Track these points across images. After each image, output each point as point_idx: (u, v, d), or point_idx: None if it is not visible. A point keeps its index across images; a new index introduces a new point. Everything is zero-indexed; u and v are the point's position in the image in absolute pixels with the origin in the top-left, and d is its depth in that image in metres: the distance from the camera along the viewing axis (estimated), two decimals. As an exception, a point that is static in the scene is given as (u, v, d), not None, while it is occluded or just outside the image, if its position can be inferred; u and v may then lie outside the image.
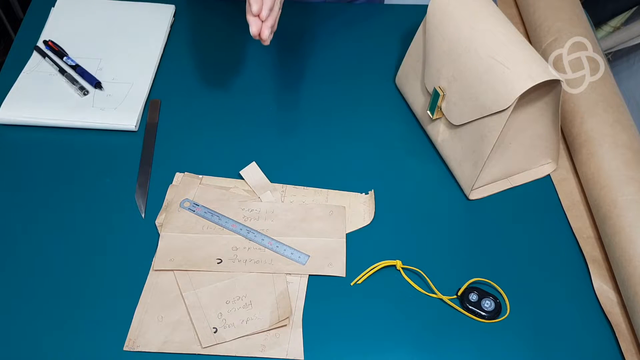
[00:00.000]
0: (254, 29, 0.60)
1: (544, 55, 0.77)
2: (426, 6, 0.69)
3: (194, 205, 0.67)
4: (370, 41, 0.85)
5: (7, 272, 0.62)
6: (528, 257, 0.65)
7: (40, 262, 0.63)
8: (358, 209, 0.68)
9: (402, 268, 0.63)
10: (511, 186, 0.71)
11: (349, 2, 0.91)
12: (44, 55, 0.80)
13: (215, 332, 0.58)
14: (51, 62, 0.79)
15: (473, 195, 0.70)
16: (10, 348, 0.57)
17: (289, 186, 0.70)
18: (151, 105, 0.77)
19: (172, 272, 0.62)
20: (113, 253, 0.64)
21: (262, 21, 0.61)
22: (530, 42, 0.82)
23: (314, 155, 0.73)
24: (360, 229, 0.67)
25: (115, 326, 0.59)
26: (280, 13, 0.63)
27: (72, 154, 0.72)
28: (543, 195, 0.70)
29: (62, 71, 0.78)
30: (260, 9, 0.60)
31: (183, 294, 0.61)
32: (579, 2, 0.82)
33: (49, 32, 0.83)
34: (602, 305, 0.61)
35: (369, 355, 0.58)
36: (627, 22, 1.30)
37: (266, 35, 0.61)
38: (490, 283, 0.63)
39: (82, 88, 0.76)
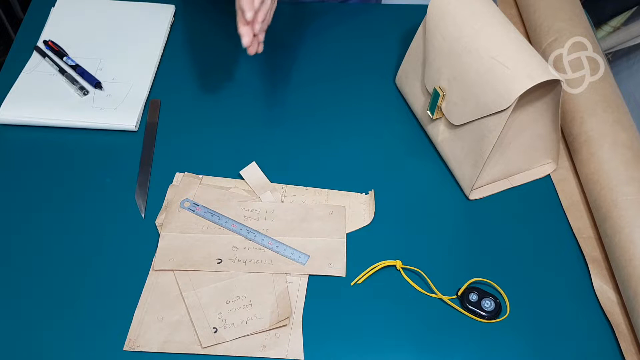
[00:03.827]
0: (246, 40, 0.61)
1: (544, 55, 0.77)
2: (426, 6, 0.69)
3: (194, 205, 0.67)
4: (370, 41, 0.85)
5: (7, 272, 0.62)
6: (528, 257, 0.65)
7: (40, 262, 0.63)
8: (358, 209, 0.68)
9: (402, 268, 0.63)
10: (511, 186, 0.71)
11: (346, 2, 0.91)
12: (44, 55, 0.80)
13: (215, 332, 0.58)
14: (51, 62, 0.79)
15: (473, 195, 0.70)
16: (10, 348, 0.57)
17: (289, 186, 0.70)
18: (151, 105, 0.77)
19: (172, 272, 0.62)
20: (113, 253, 0.64)
21: (255, 34, 0.61)
22: (530, 42, 0.82)
23: (314, 155, 0.73)
24: (360, 229, 0.67)
25: (115, 326, 0.59)
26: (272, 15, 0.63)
27: (72, 154, 0.72)
28: (543, 195, 0.70)
29: (62, 71, 0.78)
30: (254, 17, 0.60)
31: (183, 294, 0.61)
32: (579, 2, 0.82)
33: (49, 32, 0.83)
34: (602, 305, 0.61)
35: (369, 355, 0.58)
36: (627, 22, 1.30)
37: (259, 48, 0.63)
38: (490, 283, 0.63)
39: (82, 88, 0.76)
